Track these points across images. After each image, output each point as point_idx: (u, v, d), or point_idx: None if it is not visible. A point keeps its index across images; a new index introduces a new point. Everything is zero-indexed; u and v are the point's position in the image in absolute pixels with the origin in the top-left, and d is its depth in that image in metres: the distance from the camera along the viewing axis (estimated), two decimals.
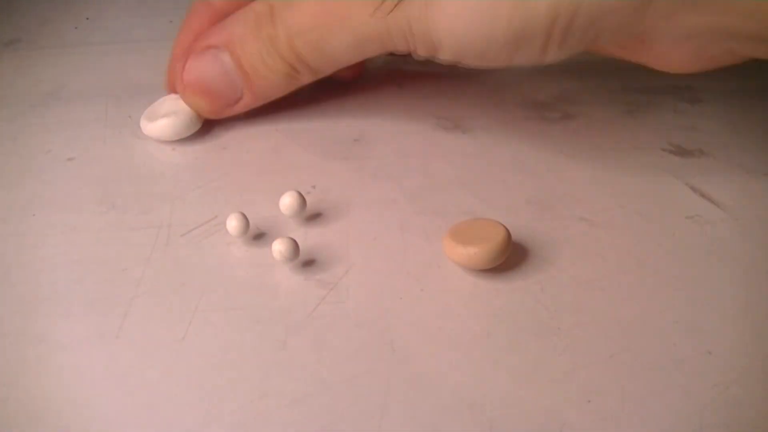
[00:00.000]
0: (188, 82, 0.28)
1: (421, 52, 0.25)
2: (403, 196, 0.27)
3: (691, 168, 0.28)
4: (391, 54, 0.29)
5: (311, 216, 0.26)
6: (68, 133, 0.31)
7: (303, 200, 0.25)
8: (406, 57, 0.31)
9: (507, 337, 0.21)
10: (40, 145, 0.30)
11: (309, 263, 0.24)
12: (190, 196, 0.27)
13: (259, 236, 0.25)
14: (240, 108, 0.29)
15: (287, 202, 0.24)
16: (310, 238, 0.25)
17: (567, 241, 0.24)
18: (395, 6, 0.23)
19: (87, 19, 0.43)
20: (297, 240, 0.23)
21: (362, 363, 0.20)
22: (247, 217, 0.24)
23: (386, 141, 0.30)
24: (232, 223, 0.24)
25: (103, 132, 0.31)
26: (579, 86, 0.34)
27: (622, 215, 0.25)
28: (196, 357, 0.20)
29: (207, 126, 0.31)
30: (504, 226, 0.23)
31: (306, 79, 0.28)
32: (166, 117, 0.30)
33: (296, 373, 0.20)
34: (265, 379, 0.20)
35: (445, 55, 0.25)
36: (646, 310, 0.22)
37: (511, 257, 0.23)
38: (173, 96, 0.31)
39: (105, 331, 0.21)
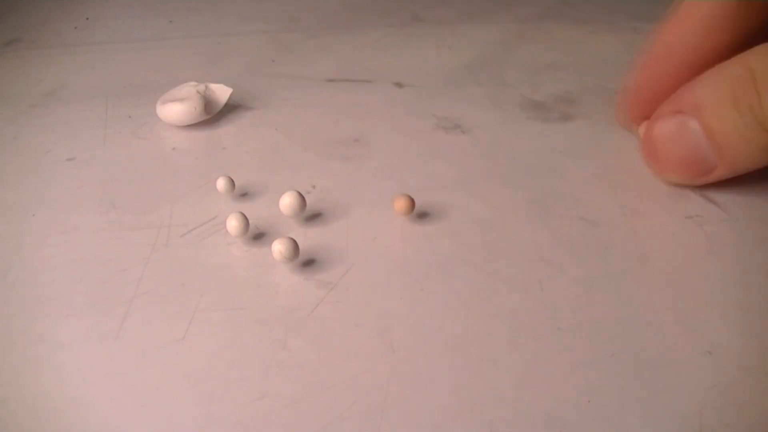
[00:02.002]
0: (654, 150, 0.26)
1: None
2: None
3: None
4: None
5: (311, 216, 0.26)
6: (68, 133, 0.31)
7: (303, 200, 0.25)
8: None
9: (507, 337, 0.21)
10: (40, 145, 0.30)
11: (309, 263, 0.24)
12: (190, 196, 0.27)
13: (259, 236, 0.25)
14: (713, 178, 0.25)
15: (287, 202, 0.24)
16: (310, 238, 0.25)
17: (567, 241, 0.24)
18: None
19: (87, 19, 0.43)
20: (297, 240, 0.23)
21: (362, 363, 0.20)
22: (247, 217, 0.24)
23: (386, 141, 0.30)
24: (232, 223, 0.24)
25: (103, 132, 0.31)
26: (579, 86, 0.34)
27: (622, 215, 0.25)
28: (196, 357, 0.20)
29: (207, 126, 0.31)
30: None
31: None
32: (179, 102, 0.30)
33: (296, 373, 0.20)
34: (265, 379, 0.20)
35: None
36: (646, 310, 0.22)
37: (511, 257, 0.23)
38: (191, 83, 0.32)
39: (105, 331, 0.21)
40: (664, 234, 0.24)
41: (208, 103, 0.31)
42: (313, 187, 0.27)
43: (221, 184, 0.26)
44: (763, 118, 0.22)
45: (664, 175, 0.26)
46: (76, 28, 0.42)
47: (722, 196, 0.26)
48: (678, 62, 0.25)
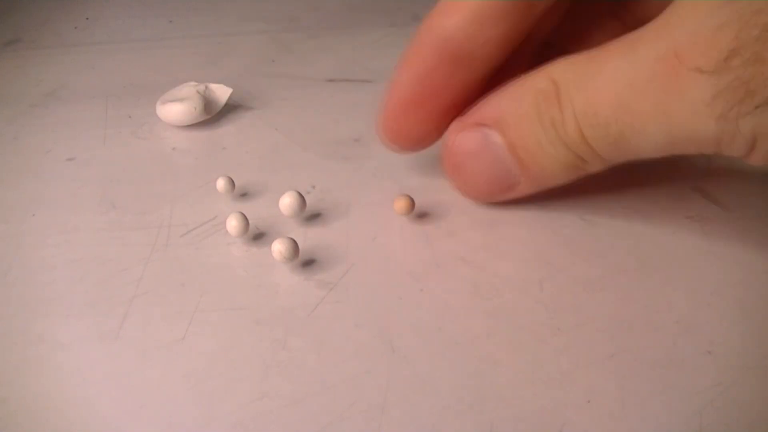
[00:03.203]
0: (455, 164, 0.24)
1: (756, 161, 0.19)
2: None
3: (691, 168, 0.28)
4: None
5: (311, 216, 0.26)
6: (68, 133, 0.31)
7: (303, 200, 0.25)
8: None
9: (507, 337, 0.21)
10: (40, 145, 0.30)
11: (309, 263, 0.24)
12: (190, 196, 0.27)
13: (259, 236, 0.25)
14: (517, 194, 0.24)
15: (287, 202, 0.24)
16: (310, 238, 0.25)
17: (567, 241, 0.24)
18: (750, 111, 0.18)
19: (87, 19, 0.43)
20: (297, 240, 0.23)
21: (362, 363, 0.20)
22: (247, 217, 0.24)
23: None
24: (232, 223, 0.24)
25: (103, 132, 0.31)
26: None
27: (622, 215, 0.25)
28: (196, 357, 0.20)
29: (207, 126, 0.31)
30: None
31: (594, 169, 0.22)
32: (179, 102, 0.30)
33: (296, 373, 0.20)
34: (265, 379, 0.20)
35: None
36: (646, 310, 0.22)
37: (511, 257, 0.23)
38: (191, 83, 0.32)
39: (105, 331, 0.21)
40: (664, 234, 0.24)
41: (208, 103, 0.31)
42: (313, 187, 0.27)
43: (221, 184, 0.26)
44: (565, 134, 0.21)
45: (467, 192, 0.25)
46: (76, 28, 0.42)
47: (722, 196, 0.26)
48: (450, 58, 0.23)
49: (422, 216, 0.25)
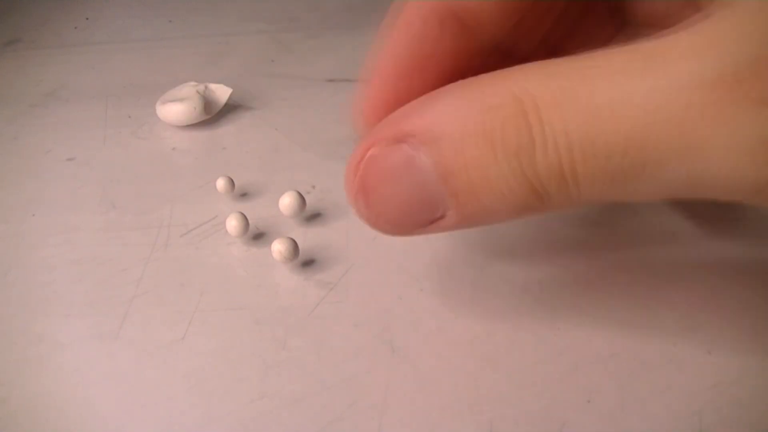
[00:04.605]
0: (363, 186, 0.17)
1: None
2: None
3: None
4: None
5: (311, 216, 0.26)
6: (68, 133, 0.31)
7: (303, 200, 0.25)
8: None
9: (507, 337, 0.21)
10: (40, 145, 0.30)
11: (309, 263, 0.24)
12: (190, 196, 0.27)
13: (258, 236, 0.25)
14: (440, 230, 0.18)
15: (287, 202, 0.24)
16: (309, 238, 0.25)
17: (567, 242, 0.24)
18: None
19: (87, 19, 0.43)
20: (297, 240, 0.23)
21: (362, 363, 0.20)
22: (247, 217, 0.24)
23: None
24: (232, 223, 0.24)
25: (103, 132, 0.31)
26: None
27: (622, 215, 0.25)
28: (196, 357, 0.20)
29: (207, 126, 0.31)
30: None
31: (551, 209, 0.16)
32: (179, 102, 0.30)
33: (296, 373, 0.20)
34: (265, 379, 0.20)
35: None
36: (646, 310, 0.22)
37: (511, 257, 0.23)
38: (191, 83, 0.32)
39: (105, 331, 0.21)
40: (664, 234, 0.24)
41: (207, 103, 0.31)
42: (313, 187, 0.27)
43: (221, 184, 0.26)
44: (534, 166, 0.15)
45: (375, 223, 0.18)
46: (76, 28, 0.42)
47: None
48: (447, 17, 0.19)
49: None
